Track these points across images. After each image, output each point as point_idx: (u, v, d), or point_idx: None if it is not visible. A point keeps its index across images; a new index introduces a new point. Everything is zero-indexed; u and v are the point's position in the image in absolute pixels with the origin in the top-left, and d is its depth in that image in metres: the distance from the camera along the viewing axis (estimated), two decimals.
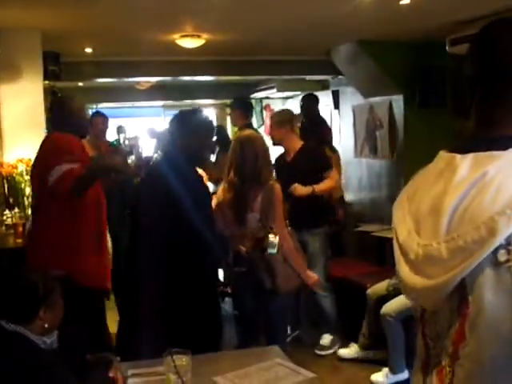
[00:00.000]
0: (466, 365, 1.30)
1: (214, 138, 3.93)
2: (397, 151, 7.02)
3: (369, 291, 5.23)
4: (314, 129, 6.01)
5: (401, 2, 4.97)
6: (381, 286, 5.15)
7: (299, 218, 5.22)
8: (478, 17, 5.43)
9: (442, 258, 1.31)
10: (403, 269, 1.42)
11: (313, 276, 4.40)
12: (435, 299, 1.36)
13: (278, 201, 4.12)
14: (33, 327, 2.44)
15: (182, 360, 2.46)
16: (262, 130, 10.39)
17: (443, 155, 1.46)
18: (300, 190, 5.23)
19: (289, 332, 5.53)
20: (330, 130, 7.71)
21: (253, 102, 10.06)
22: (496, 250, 1.25)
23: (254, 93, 9.97)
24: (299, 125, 5.66)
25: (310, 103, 7.29)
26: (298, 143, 5.55)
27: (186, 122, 3.56)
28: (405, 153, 6.82)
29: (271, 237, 3.81)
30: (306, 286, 4.73)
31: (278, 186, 4.20)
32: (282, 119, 5.55)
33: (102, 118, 6.58)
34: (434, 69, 6.77)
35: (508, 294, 1.25)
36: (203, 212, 3.30)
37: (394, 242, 1.49)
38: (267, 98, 10.68)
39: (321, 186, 5.34)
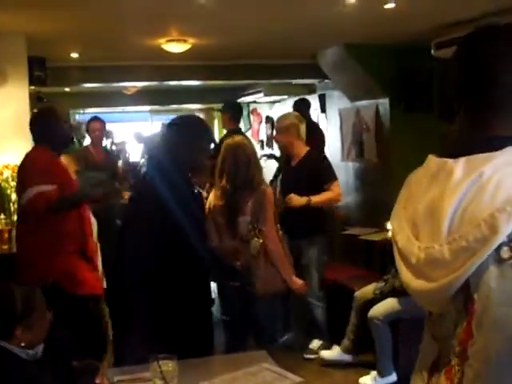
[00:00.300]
0: (475, 364, 1.31)
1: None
2: (383, 155, 7.05)
3: (356, 294, 5.24)
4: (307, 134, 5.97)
5: (385, 6, 4.99)
6: (368, 290, 5.15)
7: (296, 226, 5.21)
8: (463, 20, 5.47)
9: (444, 260, 1.32)
10: (405, 274, 1.43)
11: (298, 282, 4.39)
12: (440, 301, 1.37)
13: (269, 204, 4.14)
14: (11, 343, 2.40)
15: (168, 365, 2.45)
16: (249, 134, 10.40)
17: (433, 160, 1.47)
18: (295, 200, 5.14)
19: (291, 341, 5.58)
20: (322, 135, 7.73)
21: (244, 105, 10.11)
22: (499, 248, 1.26)
23: (241, 97, 9.97)
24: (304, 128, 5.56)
25: (302, 108, 7.25)
26: (303, 149, 5.47)
27: (186, 130, 3.39)
28: (391, 156, 6.84)
29: (256, 239, 3.81)
30: (294, 292, 4.75)
31: (269, 190, 4.22)
32: (288, 124, 5.43)
33: (99, 124, 6.53)
34: (420, 72, 6.81)
35: (507, 294, 1.26)
36: (195, 225, 3.25)
37: (394, 249, 1.49)
38: (254, 102, 10.69)
39: (318, 198, 5.24)
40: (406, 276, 1.43)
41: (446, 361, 1.40)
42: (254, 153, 4.23)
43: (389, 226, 5.79)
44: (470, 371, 1.32)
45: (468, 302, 1.32)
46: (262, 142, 10.72)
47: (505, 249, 1.26)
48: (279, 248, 4.17)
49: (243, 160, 4.09)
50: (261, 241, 3.76)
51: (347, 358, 5.26)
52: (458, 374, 1.35)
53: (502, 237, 1.25)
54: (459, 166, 1.36)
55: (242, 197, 4.09)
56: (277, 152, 8.00)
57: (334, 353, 5.34)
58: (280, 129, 5.53)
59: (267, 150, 8.49)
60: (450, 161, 1.40)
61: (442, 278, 1.32)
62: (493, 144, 1.35)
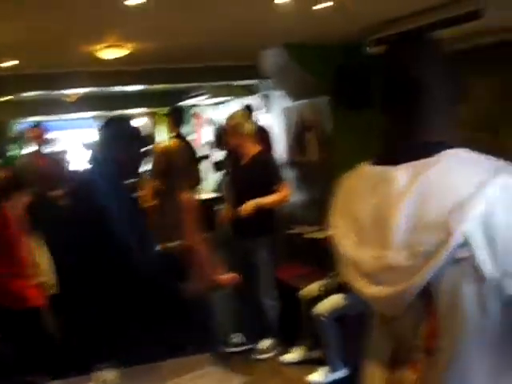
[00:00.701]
0: (443, 357, 1.36)
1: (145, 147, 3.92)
2: (325, 152, 7.10)
3: (301, 293, 5.28)
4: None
5: (320, 6, 5.02)
6: (313, 287, 5.20)
7: (245, 227, 5.25)
8: (400, 17, 5.54)
9: (402, 266, 1.35)
10: (359, 282, 1.46)
11: (227, 277, 4.45)
12: (400, 305, 1.40)
13: (190, 208, 4.21)
14: None
15: (111, 374, 2.44)
16: (192, 138, 10.39)
17: (371, 168, 1.51)
18: (246, 209, 5.22)
19: (243, 341, 5.63)
20: (269, 137, 7.76)
21: (187, 109, 10.09)
22: (454, 249, 1.30)
23: (185, 100, 9.93)
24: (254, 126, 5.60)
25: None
26: (252, 148, 5.52)
27: (112, 132, 3.53)
28: (333, 154, 6.88)
29: (176, 242, 3.88)
30: (247, 291, 4.78)
31: (189, 195, 4.27)
32: (234, 124, 5.50)
33: (39, 131, 6.49)
34: (360, 69, 6.87)
35: (473, 287, 1.31)
36: (133, 228, 3.26)
37: (339, 255, 1.53)
38: (198, 105, 10.67)
39: (266, 201, 5.31)
40: (360, 283, 1.46)
41: (407, 356, 1.45)
42: (186, 157, 4.31)
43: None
44: (439, 365, 1.37)
45: (429, 304, 1.37)
46: (204, 144, 10.68)
47: (460, 250, 1.30)
48: (200, 250, 4.22)
49: (175, 164, 4.17)
50: (183, 243, 3.82)
51: (308, 355, 5.26)
52: (425, 368, 1.40)
53: (456, 239, 1.30)
54: (401, 174, 1.41)
55: (172, 198, 4.15)
56: (219, 155, 8.04)
57: (295, 354, 5.33)
58: (227, 130, 5.59)
59: (211, 153, 8.52)
60: (390, 168, 1.44)
61: (402, 283, 1.36)
62: (429, 149, 1.41)
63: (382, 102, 1.59)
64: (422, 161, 1.39)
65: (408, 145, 1.48)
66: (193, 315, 4.22)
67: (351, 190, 1.56)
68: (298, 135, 7.63)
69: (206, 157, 8.64)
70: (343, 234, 1.51)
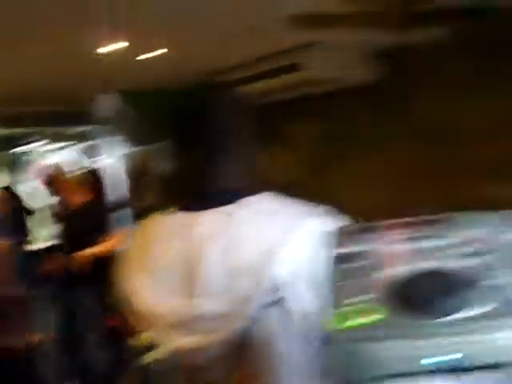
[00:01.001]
0: None
1: None
2: (162, 197, 7.13)
3: (136, 340, 5.20)
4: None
5: (150, 54, 5.08)
6: (148, 334, 5.13)
7: (74, 275, 5.15)
8: (229, 67, 5.72)
9: (215, 314, 1.34)
10: (164, 335, 1.42)
11: (34, 337, 4.34)
12: (214, 354, 1.37)
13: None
14: None
15: None
16: (26, 186, 10.05)
17: (171, 217, 1.50)
18: (79, 262, 5.12)
19: None
20: (101, 183, 7.67)
21: (20, 155, 9.81)
22: (267, 294, 1.31)
23: (21, 146, 9.65)
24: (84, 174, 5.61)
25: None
26: (81, 196, 5.45)
27: None
28: (169, 199, 6.93)
29: None
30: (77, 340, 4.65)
31: None
32: (60, 173, 5.50)
33: None
34: (199, 115, 6.99)
35: (286, 328, 1.33)
36: None
37: (135, 309, 1.46)
38: (35, 151, 10.35)
39: (98, 249, 5.22)
40: (166, 336, 1.42)
41: None
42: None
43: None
44: None
45: (244, 350, 1.35)
46: (39, 192, 10.35)
47: (270, 294, 1.31)
48: (11, 304, 4.13)
49: None
50: None
51: None
52: None
53: (268, 284, 1.31)
54: (205, 221, 1.41)
55: None
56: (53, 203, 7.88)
57: None
58: (54, 179, 5.55)
59: (41, 201, 8.34)
60: (193, 215, 1.43)
61: (216, 331, 1.34)
62: (232, 196, 1.42)
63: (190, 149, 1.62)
64: (225, 208, 1.41)
65: (210, 192, 1.49)
66: (17, 371, 4.07)
67: (149, 239, 1.52)
68: (136, 180, 7.62)
69: (29, 211, 8.41)
70: (140, 286, 1.45)
